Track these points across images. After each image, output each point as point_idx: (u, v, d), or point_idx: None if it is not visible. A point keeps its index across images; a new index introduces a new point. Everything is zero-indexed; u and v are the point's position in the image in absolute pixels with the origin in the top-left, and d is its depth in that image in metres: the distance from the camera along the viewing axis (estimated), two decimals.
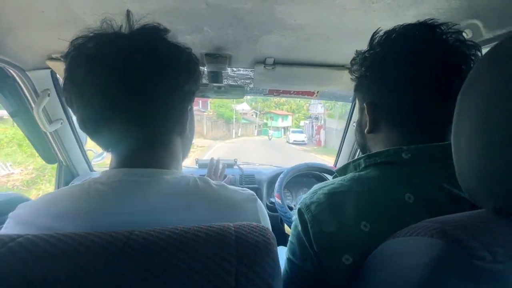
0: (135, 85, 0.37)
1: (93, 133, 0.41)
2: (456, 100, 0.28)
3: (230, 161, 1.54)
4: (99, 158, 1.72)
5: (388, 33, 0.47)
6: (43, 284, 0.24)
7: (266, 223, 0.46)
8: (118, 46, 0.38)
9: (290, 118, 32.02)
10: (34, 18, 0.66)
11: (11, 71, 0.87)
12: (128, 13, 0.41)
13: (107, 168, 0.42)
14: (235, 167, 1.53)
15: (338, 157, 1.52)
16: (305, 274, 0.43)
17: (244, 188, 0.46)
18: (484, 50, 0.62)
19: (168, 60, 0.40)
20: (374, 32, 0.49)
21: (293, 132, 25.27)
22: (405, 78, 0.43)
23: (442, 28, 0.44)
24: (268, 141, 25.11)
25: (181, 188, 0.39)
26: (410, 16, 0.61)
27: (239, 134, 28.65)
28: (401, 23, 0.52)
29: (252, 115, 31.63)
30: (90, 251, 0.25)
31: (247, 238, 0.28)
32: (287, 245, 0.50)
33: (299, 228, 0.45)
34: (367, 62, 0.49)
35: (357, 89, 0.53)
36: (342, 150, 1.47)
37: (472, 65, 0.42)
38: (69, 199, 0.37)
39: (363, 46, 0.52)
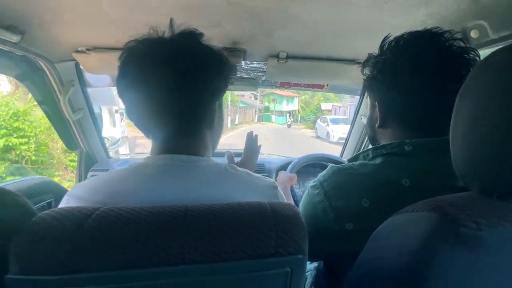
0: (172, 83, 0.44)
1: (137, 121, 0.48)
2: (455, 101, 0.33)
3: (239, 150, 1.59)
4: (114, 146, 1.82)
5: (397, 39, 0.52)
6: (131, 243, 0.30)
7: None
8: (161, 49, 0.44)
9: (296, 100, 23.49)
10: (65, 14, 0.70)
11: (40, 63, 0.93)
12: (171, 21, 0.47)
13: (120, 156, 0.48)
14: None
15: (345, 148, 1.57)
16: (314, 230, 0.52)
17: (266, 177, 0.51)
18: (490, 50, 0.66)
19: (202, 61, 0.46)
20: (385, 37, 0.54)
21: (333, 122, 13.17)
22: (412, 82, 0.49)
23: (445, 36, 0.49)
24: (285, 131, 16.28)
25: (214, 173, 0.45)
26: (420, 14, 0.64)
27: (236, 123, 19.06)
28: (411, 21, 0.55)
29: (251, 97, 22.79)
30: (159, 219, 0.32)
31: (282, 211, 0.35)
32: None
33: (311, 199, 0.54)
34: (378, 66, 0.53)
35: (369, 88, 0.58)
36: (349, 141, 1.52)
37: (470, 69, 0.47)
38: (120, 180, 0.43)
39: (373, 42, 0.56)
